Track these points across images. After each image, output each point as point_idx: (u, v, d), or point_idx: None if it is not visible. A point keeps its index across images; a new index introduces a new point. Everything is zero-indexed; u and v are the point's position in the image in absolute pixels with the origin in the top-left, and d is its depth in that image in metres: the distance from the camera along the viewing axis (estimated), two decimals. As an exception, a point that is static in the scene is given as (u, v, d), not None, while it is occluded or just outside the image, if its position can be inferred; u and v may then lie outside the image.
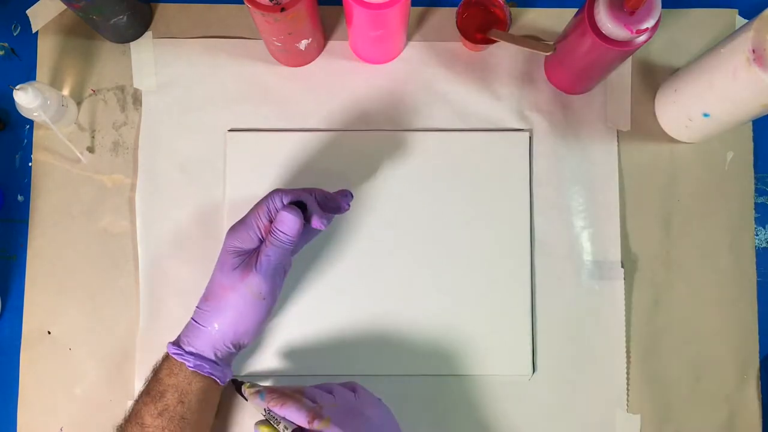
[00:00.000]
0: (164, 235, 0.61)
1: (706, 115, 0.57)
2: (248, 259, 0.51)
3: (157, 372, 0.52)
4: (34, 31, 0.63)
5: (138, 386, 0.59)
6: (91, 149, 0.62)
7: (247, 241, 0.51)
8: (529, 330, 0.60)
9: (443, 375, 0.60)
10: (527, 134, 0.62)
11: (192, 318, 0.52)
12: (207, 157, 0.62)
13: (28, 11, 0.64)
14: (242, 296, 0.50)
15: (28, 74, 0.63)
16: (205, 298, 0.52)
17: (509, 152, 0.62)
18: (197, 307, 0.52)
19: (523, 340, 0.60)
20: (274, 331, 0.60)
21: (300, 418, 0.48)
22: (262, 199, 0.52)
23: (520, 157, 0.62)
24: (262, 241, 0.51)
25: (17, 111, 0.58)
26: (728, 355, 0.61)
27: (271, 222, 0.51)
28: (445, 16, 0.64)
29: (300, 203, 0.52)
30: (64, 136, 0.60)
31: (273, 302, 0.52)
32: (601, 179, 0.62)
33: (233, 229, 0.52)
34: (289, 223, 0.50)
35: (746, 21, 0.62)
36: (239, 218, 0.53)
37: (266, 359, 0.60)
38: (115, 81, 0.63)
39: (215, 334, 0.51)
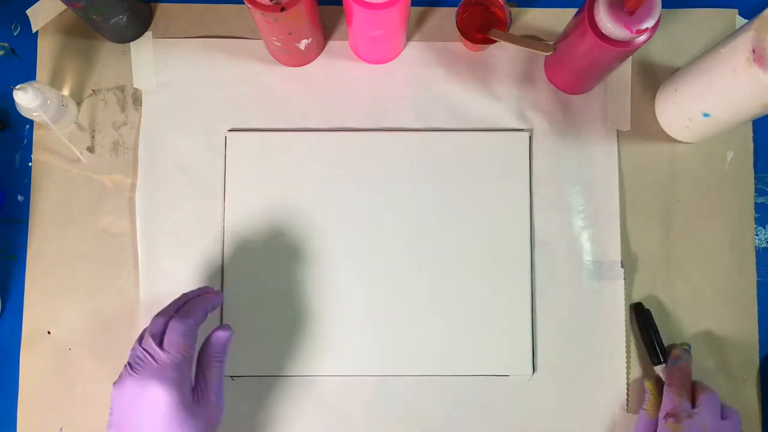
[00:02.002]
0: (164, 235, 0.61)
1: (706, 115, 0.57)
2: (199, 403, 0.47)
3: None
4: (34, 31, 0.63)
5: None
6: (91, 149, 0.62)
7: (188, 385, 0.47)
8: (529, 330, 0.60)
9: (443, 375, 0.60)
10: (527, 134, 0.62)
11: None
12: (207, 157, 0.62)
13: (28, 11, 0.64)
14: None
15: (28, 74, 0.63)
16: None
17: (509, 152, 0.62)
18: None
19: (523, 340, 0.60)
20: (271, 332, 0.60)
21: (665, 407, 0.55)
22: (185, 336, 0.48)
23: (520, 157, 0.62)
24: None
25: (17, 111, 0.58)
26: (728, 355, 0.61)
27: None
28: (445, 16, 0.64)
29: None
30: (64, 136, 0.60)
31: None
32: (601, 179, 0.62)
33: (174, 384, 0.46)
34: (226, 338, 0.51)
35: (746, 21, 0.62)
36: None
37: (261, 360, 0.60)
38: (115, 81, 0.63)
39: None
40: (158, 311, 0.51)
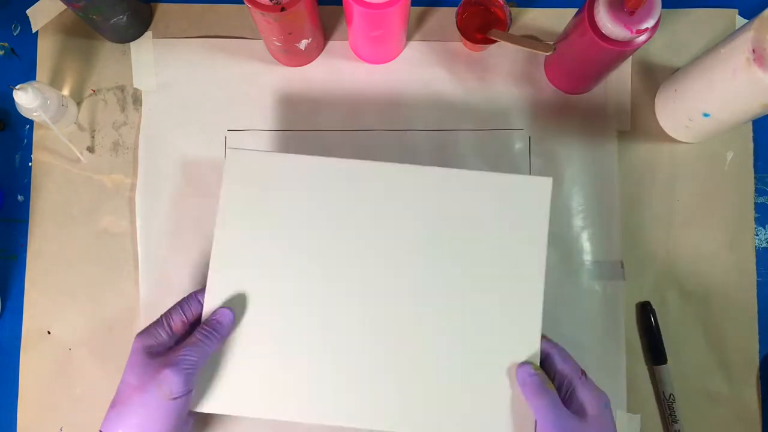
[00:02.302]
0: (164, 235, 0.61)
1: (706, 115, 0.57)
2: (162, 358, 0.48)
3: None
4: (34, 31, 0.63)
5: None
6: (91, 149, 0.62)
7: (159, 338, 0.49)
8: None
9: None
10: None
11: (100, 429, 0.48)
12: (207, 157, 0.62)
13: (28, 11, 0.64)
14: (151, 396, 0.46)
15: (28, 74, 0.63)
16: (113, 404, 0.47)
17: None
18: (105, 416, 0.48)
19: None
20: (251, 364, 0.53)
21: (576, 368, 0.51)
22: (177, 303, 0.52)
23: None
24: (174, 343, 0.50)
25: (17, 111, 0.58)
26: (728, 355, 0.61)
27: (185, 323, 0.51)
28: (445, 16, 0.64)
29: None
30: (64, 136, 0.60)
31: (186, 406, 0.48)
32: (601, 179, 0.62)
33: (144, 331, 0.50)
34: (225, 315, 0.50)
35: (746, 21, 0.62)
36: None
37: (240, 396, 0.54)
38: (115, 81, 0.63)
39: None
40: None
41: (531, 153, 0.62)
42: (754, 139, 0.63)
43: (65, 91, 0.63)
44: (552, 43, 0.59)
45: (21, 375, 0.60)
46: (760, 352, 0.61)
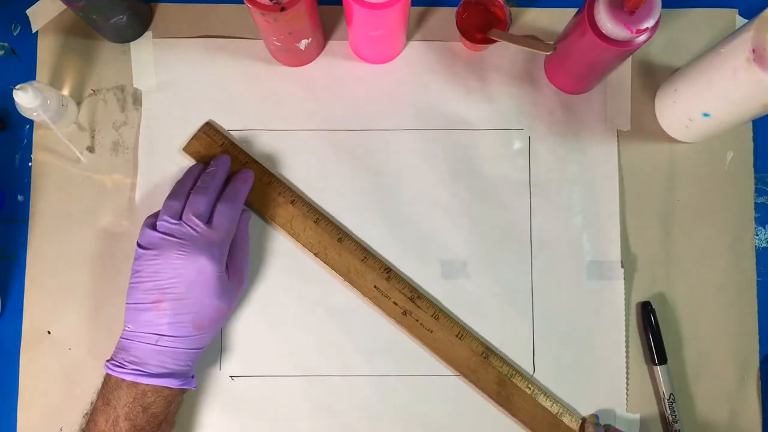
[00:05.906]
0: (164, 235, 0.61)
1: (706, 115, 0.57)
2: (228, 276, 0.54)
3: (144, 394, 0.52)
4: (34, 30, 0.63)
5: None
6: (91, 149, 0.62)
7: (225, 261, 0.54)
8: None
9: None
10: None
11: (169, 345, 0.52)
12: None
13: (28, 11, 0.64)
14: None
15: (28, 74, 0.63)
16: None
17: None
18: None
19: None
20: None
21: None
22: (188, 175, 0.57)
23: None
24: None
25: (17, 111, 0.58)
26: (728, 355, 0.61)
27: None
28: (445, 16, 0.64)
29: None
30: (64, 136, 0.60)
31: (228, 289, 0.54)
32: (601, 179, 0.62)
33: (220, 259, 0.53)
34: (248, 176, 0.58)
35: (746, 21, 0.62)
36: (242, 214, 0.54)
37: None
38: (115, 81, 0.63)
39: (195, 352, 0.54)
40: (175, 189, 0.56)
41: (531, 153, 0.62)
42: (754, 139, 0.63)
43: (65, 91, 0.63)
44: (552, 43, 0.59)
45: (21, 375, 0.60)
46: (760, 352, 0.61)
